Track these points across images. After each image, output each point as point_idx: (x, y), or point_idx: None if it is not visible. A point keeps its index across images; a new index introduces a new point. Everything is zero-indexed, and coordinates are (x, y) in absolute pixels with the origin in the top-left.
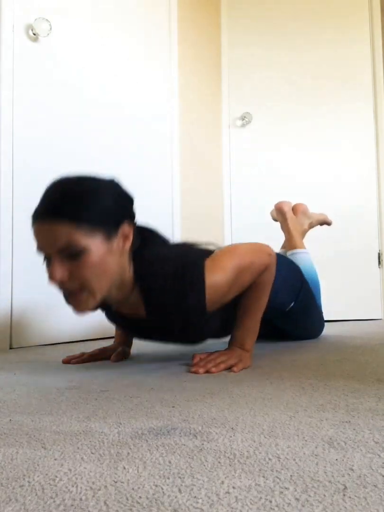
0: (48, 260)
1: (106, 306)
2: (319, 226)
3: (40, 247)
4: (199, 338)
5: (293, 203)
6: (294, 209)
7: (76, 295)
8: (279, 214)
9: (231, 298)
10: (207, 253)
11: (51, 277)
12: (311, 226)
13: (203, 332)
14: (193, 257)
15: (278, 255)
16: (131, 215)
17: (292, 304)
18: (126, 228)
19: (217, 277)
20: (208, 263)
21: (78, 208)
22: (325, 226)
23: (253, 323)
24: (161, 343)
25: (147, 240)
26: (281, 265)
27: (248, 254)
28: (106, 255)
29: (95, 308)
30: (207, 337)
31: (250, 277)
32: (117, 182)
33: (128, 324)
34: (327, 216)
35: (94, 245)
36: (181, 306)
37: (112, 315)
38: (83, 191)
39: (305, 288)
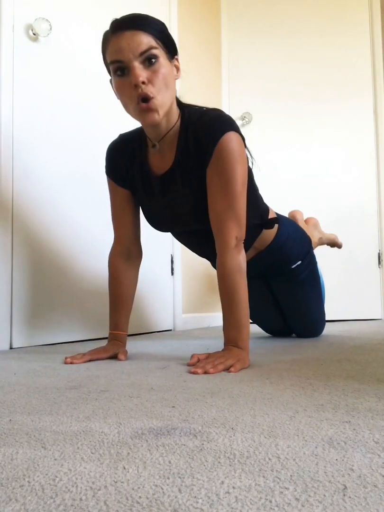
0: (122, 71)
1: (138, 163)
2: (328, 247)
3: (120, 56)
4: (199, 214)
5: (306, 214)
6: (306, 221)
7: (150, 104)
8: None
9: (213, 183)
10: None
11: (136, 79)
12: (321, 242)
13: (203, 209)
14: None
15: (294, 222)
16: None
17: (298, 263)
18: (177, 61)
19: (235, 144)
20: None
21: (153, 24)
22: (326, 224)
23: (239, 318)
24: (165, 219)
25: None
26: (296, 226)
27: (240, 206)
28: (170, 72)
29: (161, 119)
30: (202, 223)
31: (220, 208)
32: None
33: (149, 186)
34: (338, 238)
35: (164, 58)
36: (205, 128)
37: (138, 178)
38: (153, 17)
39: (312, 255)
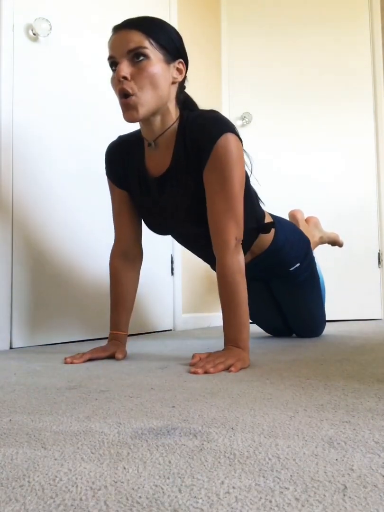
0: (114, 66)
1: (134, 162)
2: (329, 246)
3: (113, 52)
4: (194, 218)
5: (306, 214)
6: (307, 220)
7: (129, 100)
8: (292, 220)
9: (211, 189)
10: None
11: (118, 73)
12: (322, 241)
13: (198, 214)
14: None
15: (292, 224)
16: (186, 61)
17: (297, 265)
18: (181, 65)
19: (234, 145)
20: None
21: (152, 26)
22: (326, 224)
23: (238, 318)
24: (163, 222)
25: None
26: (294, 228)
27: (239, 206)
28: (162, 72)
29: (140, 118)
30: (200, 230)
31: (218, 210)
32: None
33: (145, 188)
34: (339, 237)
35: (156, 59)
36: (200, 131)
37: (133, 178)
38: (159, 20)
39: (311, 257)
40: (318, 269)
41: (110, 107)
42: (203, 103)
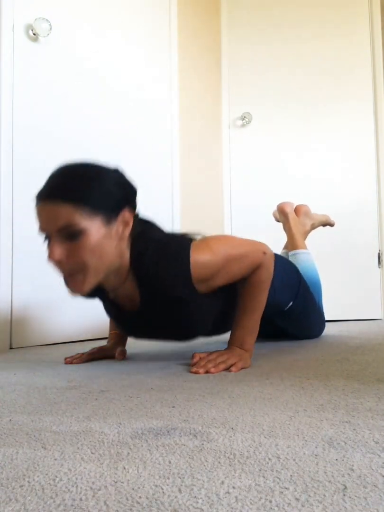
0: (49, 239)
1: (104, 298)
2: (321, 227)
3: (42, 227)
4: (191, 330)
5: (296, 204)
6: (297, 210)
7: (73, 276)
8: (281, 214)
9: (219, 285)
10: (199, 238)
11: (50, 256)
12: (313, 227)
13: (195, 323)
14: (181, 237)
15: (275, 255)
16: (132, 203)
17: (290, 304)
18: (126, 214)
19: (203, 255)
20: (197, 242)
21: (80, 191)
22: (326, 226)
23: (251, 322)
24: (156, 340)
25: (146, 229)
26: (277, 264)
27: (241, 246)
28: (104, 239)
29: (90, 291)
30: (200, 333)
31: (240, 270)
32: (121, 171)
33: (124, 319)
34: (329, 217)
35: (93, 227)
36: (167, 281)
37: (110, 309)
38: (86, 175)
39: (303, 287)
40: (311, 270)
41: (110, 107)
42: (203, 103)
